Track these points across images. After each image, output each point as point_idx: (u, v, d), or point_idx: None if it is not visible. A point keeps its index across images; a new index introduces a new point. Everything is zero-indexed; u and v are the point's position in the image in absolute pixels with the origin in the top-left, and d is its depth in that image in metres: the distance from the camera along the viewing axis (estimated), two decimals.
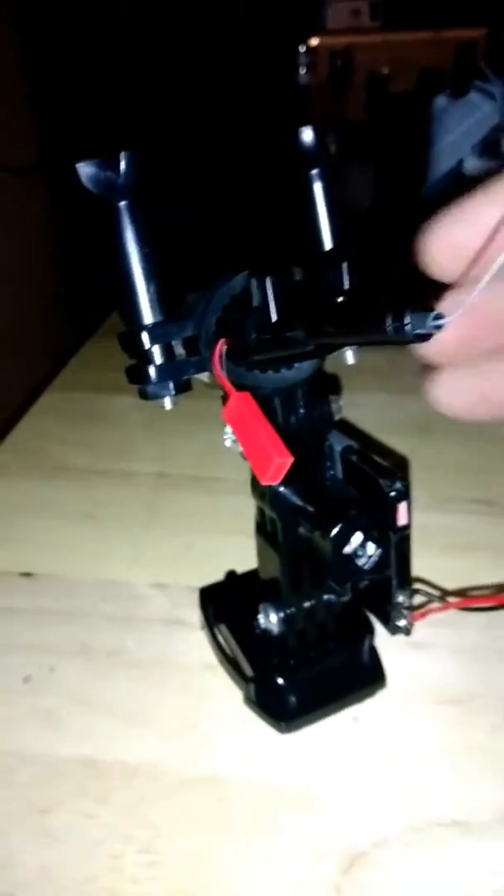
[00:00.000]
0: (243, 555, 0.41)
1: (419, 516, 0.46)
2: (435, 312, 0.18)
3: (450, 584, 0.40)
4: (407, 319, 0.18)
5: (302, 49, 2.11)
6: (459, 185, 0.65)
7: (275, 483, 0.27)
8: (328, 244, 0.28)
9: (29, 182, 1.38)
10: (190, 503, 0.49)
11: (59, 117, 1.45)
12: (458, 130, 0.60)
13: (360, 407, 0.56)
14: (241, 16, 1.81)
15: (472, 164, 0.58)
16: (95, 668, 0.37)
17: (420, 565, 0.38)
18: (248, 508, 0.46)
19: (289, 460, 0.26)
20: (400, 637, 0.31)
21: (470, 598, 0.39)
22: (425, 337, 0.18)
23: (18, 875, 0.28)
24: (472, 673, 0.36)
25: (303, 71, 2.13)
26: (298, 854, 0.28)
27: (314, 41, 2.13)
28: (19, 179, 1.34)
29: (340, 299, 0.23)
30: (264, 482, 0.27)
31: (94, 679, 0.36)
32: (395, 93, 2.02)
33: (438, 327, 0.18)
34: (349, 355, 0.30)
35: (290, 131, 0.27)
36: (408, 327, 0.18)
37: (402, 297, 0.19)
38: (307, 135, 0.27)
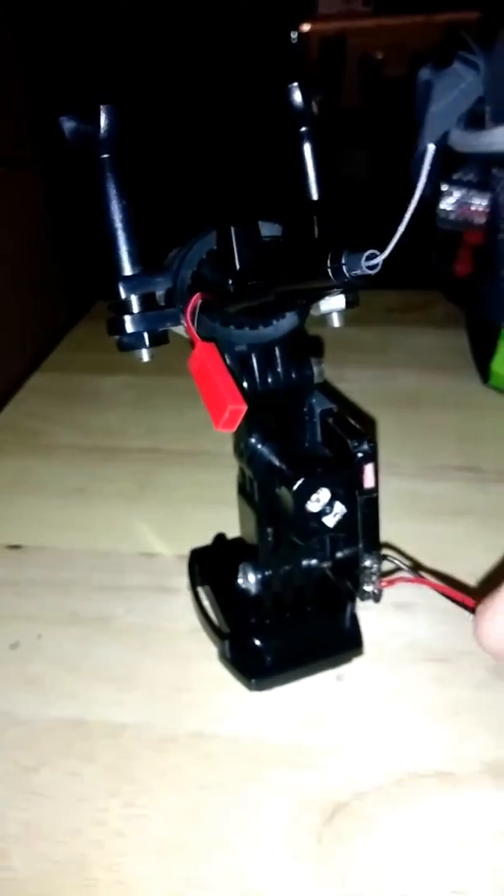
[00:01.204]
0: (231, 525, 0.41)
1: (408, 484, 0.47)
2: (368, 252, 0.19)
3: (435, 550, 0.40)
4: (343, 260, 0.19)
5: (294, 35, 2.10)
6: (445, 156, 0.64)
7: (230, 430, 0.27)
8: (314, 197, 0.29)
9: (25, 176, 1.38)
10: (179, 477, 0.50)
11: (56, 110, 1.44)
12: (442, 102, 0.59)
13: (352, 382, 0.56)
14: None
15: (458, 136, 0.58)
16: (83, 634, 0.37)
17: (406, 530, 0.39)
18: (235, 481, 0.47)
19: (242, 407, 0.26)
20: (384, 598, 0.31)
21: (437, 584, 0.37)
22: (362, 277, 0.19)
23: (6, 829, 0.28)
24: (457, 632, 0.36)
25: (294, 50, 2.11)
26: (281, 805, 0.29)
27: (306, 27, 2.12)
28: (15, 173, 1.33)
29: (297, 248, 0.23)
30: (218, 428, 0.27)
31: (82, 645, 0.36)
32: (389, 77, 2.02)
33: (372, 267, 0.19)
34: (335, 317, 0.30)
35: (279, 89, 0.27)
36: (344, 268, 0.19)
37: (340, 242, 0.19)
38: (296, 94, 0.27)
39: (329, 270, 0.20)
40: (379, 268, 0.19)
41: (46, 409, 0.58)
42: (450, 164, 0.59)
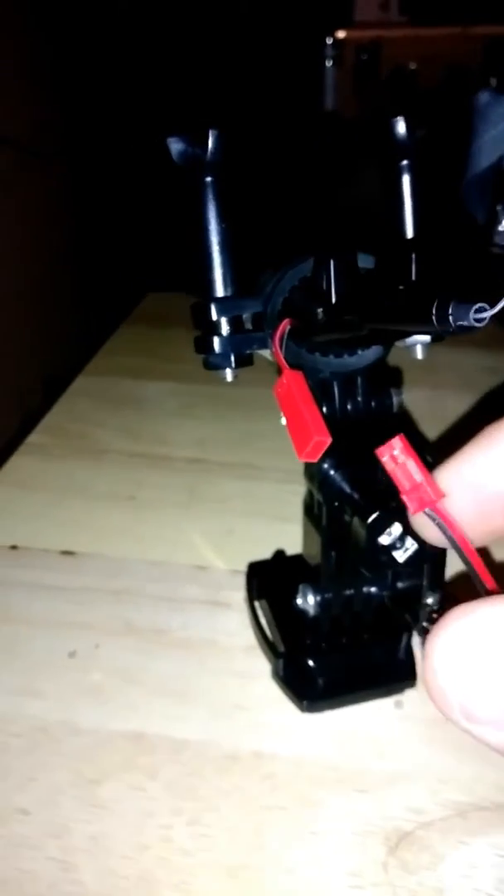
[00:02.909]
0: (283, 541, 0.42)
1: None
2: (477, 306, 0.18)
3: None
4: (450, 310, 0.19)
5: (329, 41, 2.10)
6: (499, 181, 0.65)
7: (312, 461, 0.27)
8: (409, 234, 0.29)
9: (49, 166, 1.38)
10: (227, 488, 0.50)
11: (84, 105, 1.45)
12: (500, 126, 0.59)
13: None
14: (272, 5, 1.81)
15: None
16: (139, 646, 0.37)
17: (456, 560, 0.39)
18: (285, 495, 0.47)
19: (327, 440, 0.27)
20: None
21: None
22: (468, 328, 0.19)
23: (74, 841, 0.28)
24: None
25: (329, 63, 2.12)
26: (344, 831, 0.29)
27: (341, 34, 2.12)
28: (42, 165, 1.34)
29: (395, 287, 0.23)
30: (302, 458, 0.27)
31: (139, 657, 0.37)
32: (422, 88, 2.02)
33: (480, 320, 0.19)
34: (418, 350, 0.30)
35: (384, 121, 0.27)
36: (450, 318, 0.19)
37: (450, 289, 0.19)
38: (400, 126, 0.27)
39: (434, 318, 0.19)
40: (486, 323, 0.19)
41: (91, 413, 0.59)
42: None
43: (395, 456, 0.24)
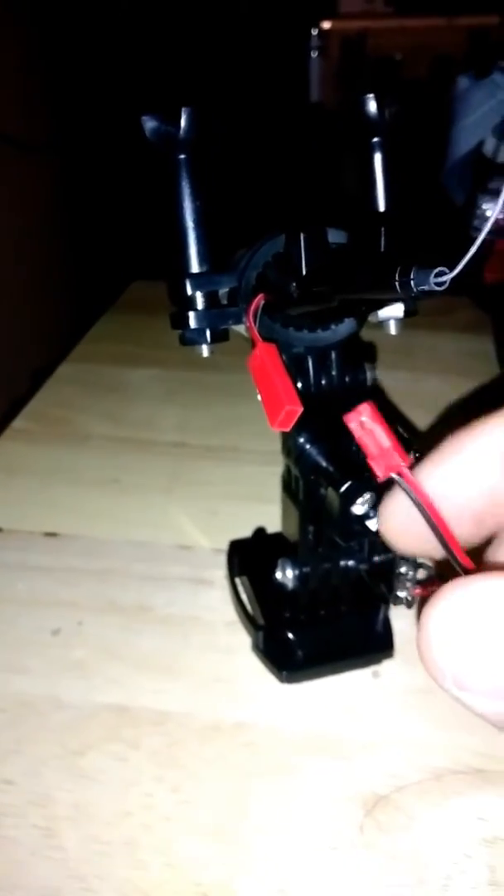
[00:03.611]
0: (264, 521, 0.42)
1: None
2: (437, 269, 0.19)
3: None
4: (412, 275, 0.19)
5: (314, 32, 2.10)
6: (479, 165, 0.65)
7: (284, 429, 0.28)
8: (381, 209, 0.29)
9: (40, 159, 1.38)
10: (210, 471, 0.50)
11: (72, 96, 1.44)
12: (479, 111, 0.60)
13: (380, 383, 0.57)
14: None
15: (493, 145, 0.59)
16: (123, 622, 0.38)
17: None
18: (266, 477, 0.47)
19: (298, 408, 0.27)
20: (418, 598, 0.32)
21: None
22: (429, 293, 0.19)
23: (56, 810, 0.29)
24: None
25: (314, 55, 2.12)
26: (323, 796, 0.30)
27: (326, 25, 2.12)
28: (30, 156, 1.34)
29: (363, 258, 0.24)
30: (274, 427, 0.28)
31: (123, 633, 0.37)
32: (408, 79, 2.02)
33: (440, 284, 0.19)
34: (392, 325, 0.31)
35: (355, 100, 0.27)
36: (412, 282, 0.19)
37: (411, 256, 0.20)
38: (370, 104, 0.28)
39: (396, 284, 0.20)
40: (447, 285, 0.20)
41: (75, 399, 0.59)
42: (484, 173, 0.60)
43: (363, 422, 0.24)
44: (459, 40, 1.96)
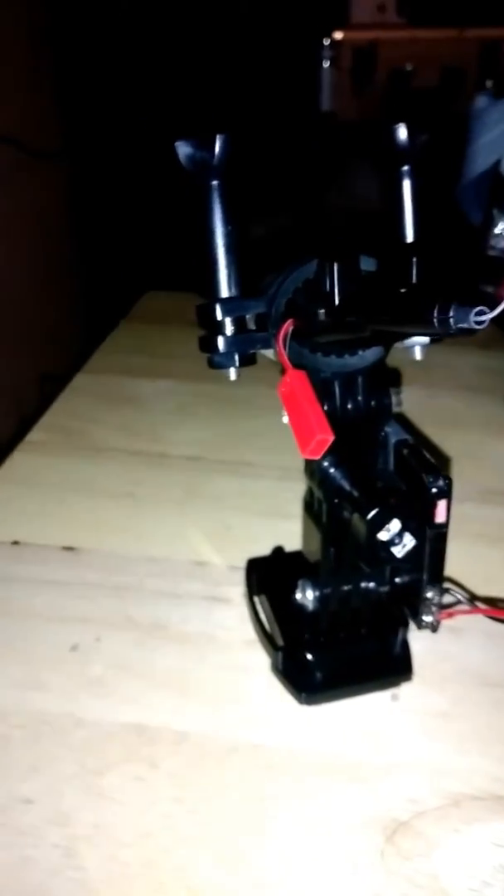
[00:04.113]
0: (279, 538, 0.43)
1: (455, 507, 0.48)
2: (477, 308, 0.19)
3: (482, 573, 0.41)
4: (451, 312, 0.19)
5: (326, 42, 2.11)
6: (496, 184, 0.65)
7: (315, 458, 0.28)
8: (410, 237, 0.29)
9: (51, 166, 1.38)
10: (224, 486, 0.50)
11: (84, 105, 1.45)
12: (496, 130, 0.60)
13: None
14: (267, 6, 1.81)
15: None
16: (140, 639, 0.38)
17: (453, 553, 0.39)
18: (281, 492, 0.48)
19: (329, 437, 0.27)
20: None
21: (498, 610, 0.39)
22: (468, 331, 0.19)
23: (76, 830, 0.29)
24: None
25: (326, 65, 2.12)
26: (343, 820, 0.30)
27: (338, 35, 2.12)
28: (42, 163, 1.34)
29: (396, 290, 0.24)
30: (305, 455, 0.28)
31: (140, 650, 0.37)
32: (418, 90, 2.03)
33: (480, 323, 0.19)
34: (417, 351, 0.31)
35: (386, 127, 0.28)
36: (451, 320, 0.19)
37: (451, 293, 0.20)
38: (401, 132, 0.28)
39: (435, 320, 0.20)
40: (486, 325, 0.20)
41: (90, 411, 0.59)
42: (500, 193, 0.60)
43: None
44: (470, 52, 1.97)
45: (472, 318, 0.19)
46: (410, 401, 0.57)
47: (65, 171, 1.44)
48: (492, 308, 0.19)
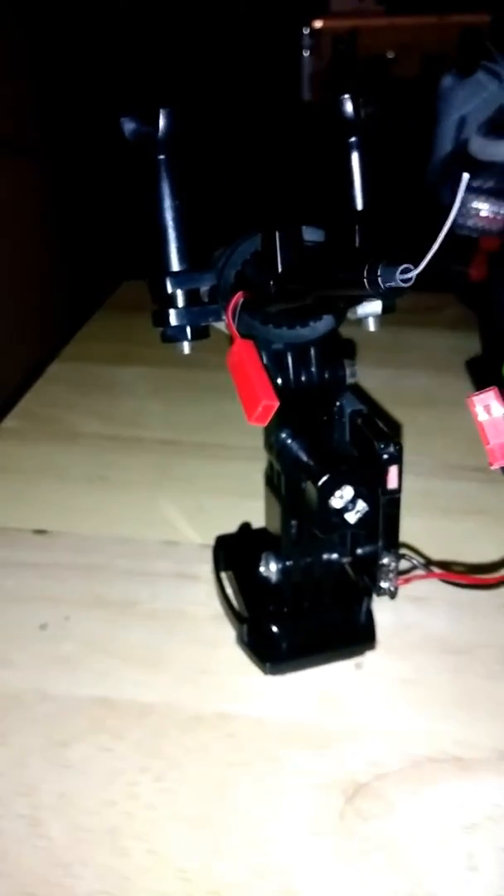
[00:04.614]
0: (251, 517, 0.43)
1: (422, 482, 0.48)
2: (402, 266, 0.20)
3: (448, 546, 0.41)
4: (379, 272, 0.20)
5: (305, 31, 2.11)
6: (465, 163, 0.66)
7: (261, 424, 0.28)
8: (358, 207, 0.30)
9: (29, 161, 1.38)
10: (197, 468, 0.51)
11: (62, 97, 1.45)
12: (464, 109, 0.61)
13: (368, 379, 0.57)
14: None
15: (478, 143, 0.60)
16: (109, 617, 0.38)
17: (420, 527, 0.40)
18: (253, 473, 0.48)
19: (275, 403, 0.28)
20: (400, 591, 0.32)
21: (452, 574, 0.40)
22: (397, 289, 0.20)
23: (41, 799, 0.30)
24: (470, 625, 0.37)
25: (306, 53, 2.12)
26: (304, 784, 0.30)
27: (318, 23, 2.12)
28: (19, 158, 1.34)
29: (338, 256, 0.24)
30: (251, 421, 0.28)
31: (109, 627, 0.38)
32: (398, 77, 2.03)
33: (406, 280, 0.20)
34: (371, 322, 0.31)
35: (332, 99, 0.28)
36: (379, 279, 0.20)
37: (379, 254, 0.20)
38: (347, 104, 0.28)
39: (365, 281, 0.21)
40: (412, 281, 0.20)
41: (65, 398, 0.59)
42: (469, 171, 0.60)
43: (489, 407, 0.24)
44: (450, 38, 1.97)
45: (399, 276, 0.20)
46: (383, 382, 0.58)
47: (43, 166, 1.44)
48: (416, 266, 0.20)
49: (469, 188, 0.61)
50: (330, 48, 2.09)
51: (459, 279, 0.62)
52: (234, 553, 0.40)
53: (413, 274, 0.20)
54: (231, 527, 0.43)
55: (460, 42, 1.91)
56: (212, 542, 0.42)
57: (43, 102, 1.43)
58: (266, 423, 0.28)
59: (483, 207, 0.59)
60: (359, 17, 2.08)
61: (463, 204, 0.61)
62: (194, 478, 0.50)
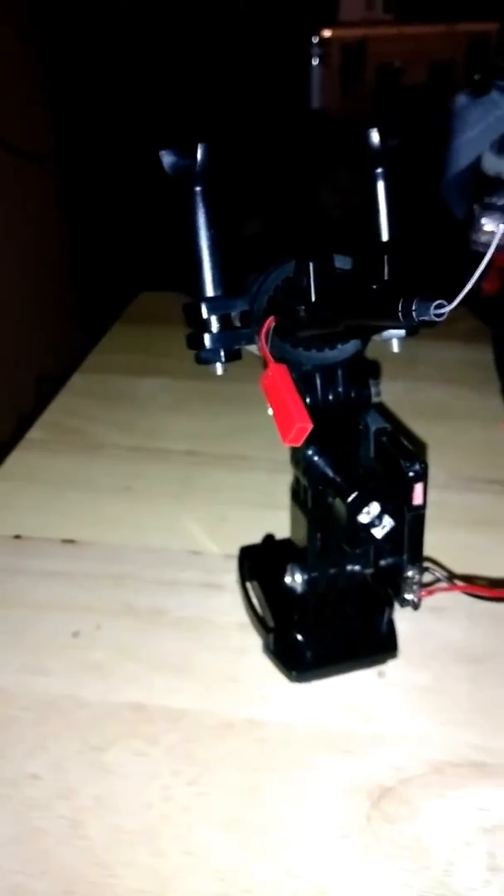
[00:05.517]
0: (273, 527, 0.44)
1: (436, 494, 0.49)
2: (437, 302, 0.21)
3: (463, 558, 0.43)
4: (413, 307, 0.21)
5: (314, 40, 2.12)
6: (477, 181, 0.67)
7: (296, 445, 0.30)
8: (384, 237, 0.31)
9: (44, 168, 1.40)
10: (219, 479, 0.52)
11: (76, 105, 1.46)
12: (477, 128, 0.62)
13: (383, 393, 0.59)
14: (254, 5, 1.83)
15: (491, 162, 0.61)
16: (139, 626, 0.40)
17: (435, 539, 0.41)
18: (274, 484, 0.49)
19: (308, 426, 0.29)
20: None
21: (475, 587, 0.41)
22: (430, 322, 0.21)
23: (81, 802, 0.31)
24: (489, 635, 0.39)
25: (315, 62, 2.14)
26: (332, 788, 0.32)
27: (327, 32, 2.14)
28: (34, 165, 1.35)
29: (368, 286, 0.26)
30: (286, 443, 0.30)
31: (139, 636, 0.39)
32: (407, 86, 2.04)
33: (440, 315, 0.21)
34: (395, 343, 0.32)
35: (359, 132, 0.29)
36: (414, 314, 0.21)
37: (413, 288, 0.22)
38: (374, 136, 0.29)
39: (399, 314, 0.22)
40: (445, 316, 0.22)
41: (88, 409, 0.61)
42: (483, 188, 0.61)
43: None
44: (459, 47, 1.98)
45: (433, 311, 0.21)
46: (397, 395, 0.59)
47: (58, 173, 1.46)
48: (449, 302, 0.21)
49: (482, 204, 0.62)
50: (339, 57, 2.10)
51: (473, 293, 0.63)
52: (259, 564, 0.41)
53: (447, 310, 0.21)
54: (254, 537, 0.44)
55: (470, 52, 1.93)
56: (236, 552, 0.43)
57: (55, 109, 1.44)
58: (300, 444, 0.29)
59: (496, 223, 0.60)
60: (367, 27, 2.09)
61: (476, 220, 0.62)
62: (217, 489, 0.51)
